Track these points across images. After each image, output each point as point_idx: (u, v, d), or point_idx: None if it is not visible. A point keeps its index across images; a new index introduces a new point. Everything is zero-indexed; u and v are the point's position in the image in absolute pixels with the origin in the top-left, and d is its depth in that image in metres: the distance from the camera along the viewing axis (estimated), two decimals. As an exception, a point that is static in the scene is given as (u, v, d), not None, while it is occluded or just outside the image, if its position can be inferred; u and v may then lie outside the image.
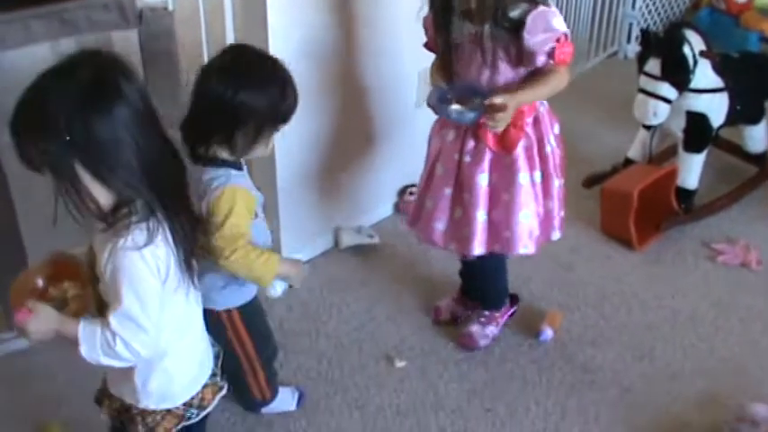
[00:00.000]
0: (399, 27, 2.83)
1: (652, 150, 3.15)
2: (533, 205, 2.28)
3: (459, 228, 2.34)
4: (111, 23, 2.29)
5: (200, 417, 1.70)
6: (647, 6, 4.36)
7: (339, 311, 2.72)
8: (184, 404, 1.67)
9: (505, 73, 2.17)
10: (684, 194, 3.07)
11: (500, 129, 2.17)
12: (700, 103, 2.97)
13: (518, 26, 2.07)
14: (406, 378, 2.47)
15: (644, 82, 2.91)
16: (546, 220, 2.35)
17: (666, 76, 2.85)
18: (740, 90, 3.05)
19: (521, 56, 2.12)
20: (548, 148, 2.27)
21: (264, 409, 2.34)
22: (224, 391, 1.79)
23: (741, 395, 2.38)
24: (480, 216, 2.30)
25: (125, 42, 2.33)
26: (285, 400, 2.35)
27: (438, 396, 2.42)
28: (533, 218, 2.30)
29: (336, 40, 2.68)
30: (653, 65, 2.87)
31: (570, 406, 2.38)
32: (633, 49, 4.13)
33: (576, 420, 2.34)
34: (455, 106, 2.16)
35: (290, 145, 2.70)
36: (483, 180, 2.26)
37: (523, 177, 2.24)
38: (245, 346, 2.16)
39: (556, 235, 2.38)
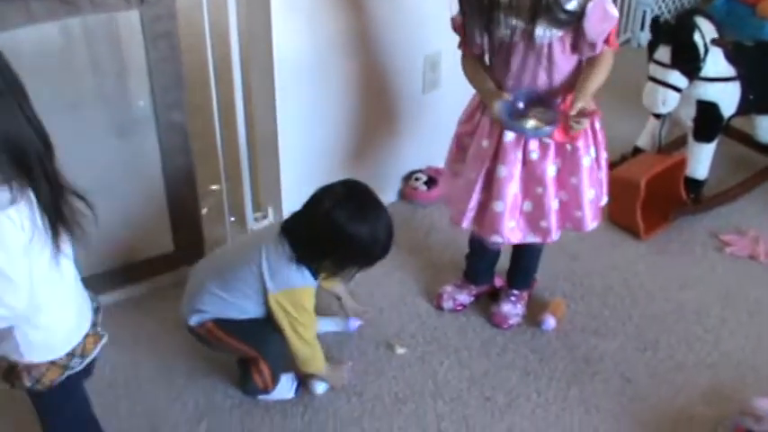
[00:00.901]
0: (404, 11, 2.80)
1: (661, 139, 3.10)
2: (594, 181, 2.31)
3: (534, 220, 2.34)
4: (113, 4, 2.26)
5: (84, 365, 1.77)
6: (661, -7, 4.31)
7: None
8: (67, 354, 1.72)
9: (561, 65, 2.14)
10: (693, 184, 3.03)
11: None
12: (710, 92, 2.91)
13: (576, 18, 2.04)
14: (405, 365, 2.45)
15: (653, 70, 2.86)
16: (600, 190, 2.38)
17: (676, 64, 2.80)
18: (753, 79, 2.98)
19: (576, 45, 2.11)
20: (597, 124, 2.29)
21: (261, 397, 2.33)
22: (105, 340, 1.84)
23: (746, 389, 2.35)
24: (554, 204, 2.31)
25: (127, 23, 2.31)
26: (283, 388, 2.34)
27: (437, 384, 2.39)
28: (597, 193, 2.34)
29: (340, 25, 2.64)
30: (663, 52, 2.81)
31: (572, 396, 2.35)
32: (646, 37, 4.00)
33: (576, 411, 2.31)
34: (530, 123, 2.13)
35: (292, 130, 2.69)
36: (552, 171, 2.26)
37: (586, 160, 2.26)
38: (232, 344, 2.25)
39: (604, 200, 2.42)
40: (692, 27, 2.79)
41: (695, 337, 2.56)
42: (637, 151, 3.16)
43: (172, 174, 2.57)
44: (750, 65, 2.98)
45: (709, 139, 2.99)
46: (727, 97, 2.95)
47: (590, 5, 2.02)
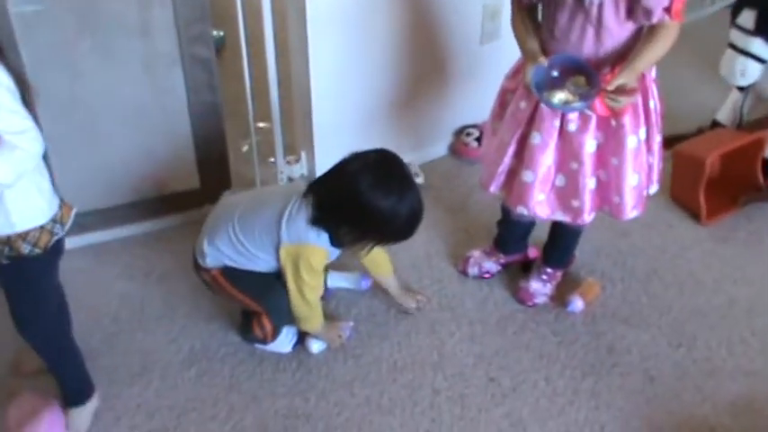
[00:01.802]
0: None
1: (743, 115, 2.79)
2: (639, 166, 2.08)
3: (566, 197, 2.15)
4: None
5: (65, 232, 1.87)
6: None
7: (363, 252, 2.58)
8: (51, 220, 1.83)
9: (612, 32, 1.91)
10: (773, 168, 2.72)
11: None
12: (802, 65, 2.60)
13: None
14: (413, 332, 2.31)
15: (734, 36, 2.56)
16: (647, 176, 2.15)
17: (760, 30, 2.49)
18: None
19: (631, 9, 1.87)
20: (651, 103, 2.05)
21: (259, 346, 2.26)
22: (74, 210, 1.93)
23: (782, 404, 2.10)
24: (590, 183, 2.11)
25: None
26: (282, 341, 2.25)
27: (442, 356, 2.24)
28: (641, 180, 2.11)
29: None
30: (746, 17, 2.51)
31: (583, 388, 2.15)
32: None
33: (585, 405, 2.11)
34: (559, 96, 1.93)
35: (333, 72, 2.55)
36: (591, 146, 2.06)
37: (631, 140, 2.03)
38: (237, 296, 2.19)
39: (654, 188, 2.22)
40: (785, -11, 2.47)
41: (739, 339, 2.29)
42: (715, 125, 2.87)
43: (198, 110, 2.50)
44: None
45: (796, 119, 2.68)
46: (822, 72, 2.62)
47: None
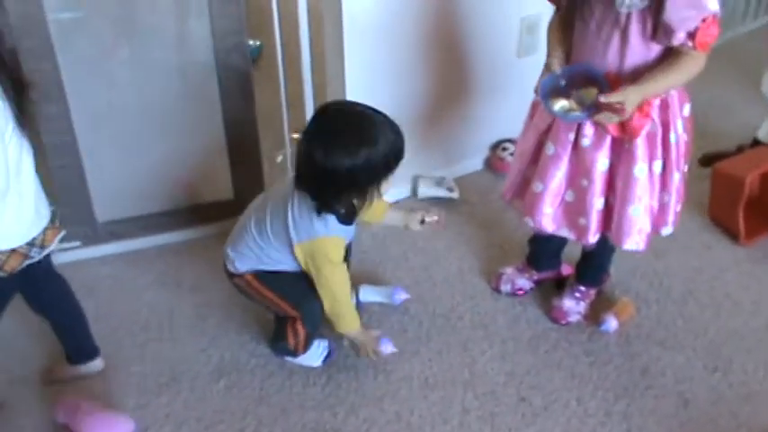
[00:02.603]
0: None
1: (785, 133, 2.75)
2: (646, 199, 2.03)
3: (574, 214, 2.11)
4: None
5: (42, 255, 1.88)
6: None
7: (396, 265, 2.56)
8: (27, 244, 1.84)
9: (636, 49, 1.86)
10: (814, 188, 2.66)
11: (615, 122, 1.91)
12: None
13: None
14: (444, 349, 2.29)
15: (780, 53, 2.52)
16: (659, 215, 2.08)
17: (806, 48, 2.45)
18: None
19: (656, 29, 1.81)
20: (672, 137, 1.97)
21: (289, 359, 2.24)
22: (63, 233, 1.95)
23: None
24: (598, 204, 2.07)
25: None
26: (312, 354, 2.24)
27: (473, 374, 2.21)
28: (644, 213, 2.05)
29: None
30: (791, 34, 2.47)
31: (616, 411, 2.11)
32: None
33: (617, 427, 2.07)
34: (561, 103, 1.91)
35: (366, 85, 2.54)
36: (603, 165, 2.01)
37: (640, 170, 1.98)
38: (272, 300, 2.15)
39: (667, 230, 2.12)
40: (831, 7, 2.43)
41: (777, 363, 2.25)
42: (756, 144, 2.82)
43: (232, 120, 2.51)
44: None
45: (839, 139, 2.62)
46: None
47: None
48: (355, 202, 1.98)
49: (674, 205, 2.07)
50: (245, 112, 2.49)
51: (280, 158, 2.72)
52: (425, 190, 2.79)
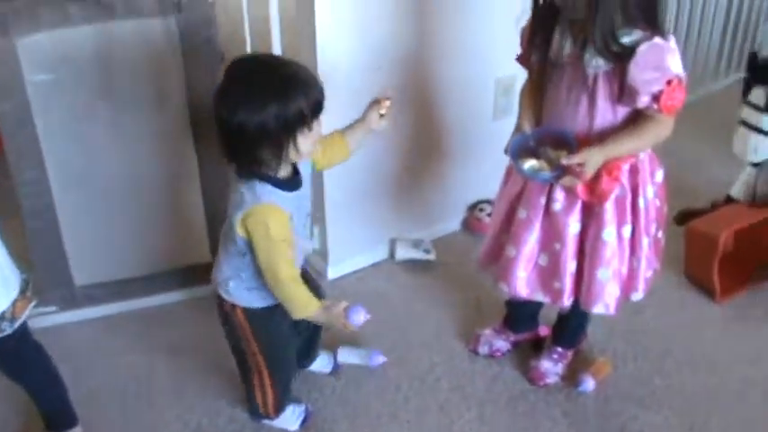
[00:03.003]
0: (474, 31, 2.62)
1: (757, 190, 2.77)
2: (615, 263, 2.03)
3: (548, 278, 2.12)
4: (148, 10, 2.24)
5: (14, 328, 1.85)
6: (796, 24, 3.88)
7: (374, 327, 2.50)
8: None
9: (603, 111, 1.88)
10: (788, 244, 2.69)
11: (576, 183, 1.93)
12: (815, 142, 2.58)
13: (627, 54, 1.78)
14: (423, 411, 2.27)
15: (746, 113, 2.55)
16: (629, 280, 2.09)
17: (772, 108, 2.49)
18: None
19: (622, 92, 1.84)
20: (641, 202, 1.99)
21: (266, 422, 2.23)
22: (33, 303, 1.93)
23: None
24: (571, 266, 2.07)
25: (165, 30, 2.27)
26: (287, 419, 2.22)
27: (451, 437, 2.22)
28: (613, 278, 2.05)
29: (402, 41, 2.50)
30: (758, 94, 2.51)
31: (595, 471, 2.12)
32: None
33: (596, 489, 2.08)
34: (530, 163, 1.94)
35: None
36: (575, 228, 2.03)
37: (608, 233, 1.99)
38: (250, 346, 2.07)
39: (637, 296, 2.12)
40: (795, 68, 2.48)
41: (754, 422, 2.24)
42: (729, 201, 2.84)
43: (209, 183, 2.52)
44: None
45: (810, 195, 2.65)
46: (835, 148, 2.60)
47: (644, 45, 1.76)
48: (272, 158, 1.80)
49: (644, 271, 2.08)
50: (222, 174, 2.49)
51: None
52: (403, 252, 2.80)
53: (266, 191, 1.83)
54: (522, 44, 2.04)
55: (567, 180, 1.91)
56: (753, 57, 2.58)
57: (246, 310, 2.02)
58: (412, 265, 2.80)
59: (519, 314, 2.43)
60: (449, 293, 2.69)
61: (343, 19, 2.35)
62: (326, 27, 2.33)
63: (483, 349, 2.46)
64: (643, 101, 1.81)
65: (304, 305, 1.93)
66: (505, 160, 2.21)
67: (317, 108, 1.79)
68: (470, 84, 2.72)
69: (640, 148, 1.93)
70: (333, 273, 2.74)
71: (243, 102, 1.74)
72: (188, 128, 2.41)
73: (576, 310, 2.22)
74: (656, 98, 1.80)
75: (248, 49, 2.39)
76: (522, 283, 2.12)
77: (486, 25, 2.62)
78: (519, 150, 1.96)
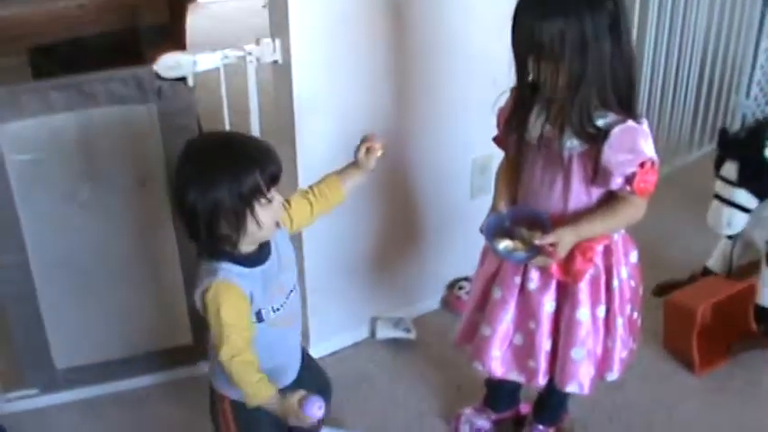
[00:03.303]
0: (450, 112, 2.68)
1: (733, 262, 2.81)
2: (590, 343, 2.05)
3: (523, 357, 2.13)
4: (129, 98, 2.28)
5: None
6: (765, 95, 3.96)
7: (355, 409, 2.54)
8: None
9: (577, 192, 1.92)
10: (765, 315, 2.70)
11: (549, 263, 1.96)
12: (787, 214, 2.63)
13: (601, 136, 1.82)
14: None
15: (719, 187, 2.60)
16: (603, 360, 2.10)
17: (743, 182, 2.53)
18: None
19: (596, 173, 1.87)
20: (615, 283, 2.01)
21: None
22: None
23: None
24: (546, 345, 2.08)
25: (145, 117, 2.31)
26: None
27: None
28: (587, 357, 2.06)
29: (379, 123, 2.54)
30: (729, 168, 2.55)
31: None
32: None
33: None
34: (505, 243, 1.96)
35: (323, 232, 2.58)
36: (550, 307, 2.05)
37: (583, 313, 2.01)
38: None
39: (612, 376, 2.12)
40: (763, 142, 2.52)
41: (738, 495, 2.24)
42: (706, 272, 2.88)
43: (189, 266, 2.51)
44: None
45: (785, 266, 2.68)
46: (808, 219, 2.65)
47: (618, 128, 1.81)
48: (231, 233, 1.75)
49: (619, 351, 2.09)
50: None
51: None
52: (383, 332, 2.80)
53: (222, 267, 1.78)
54: (498, 125, 2.08)
55: (539, 260, 1.93)
56: (723, 132, 2.64)
57: (234, 404, 1.93)
58: (393, 344, 2.80)
59: (498, 393, 2.42)
60: (430, 373, 2.68)
61: (321, 100, 2.40)
62: (305, 111, 2.39)
63: (464, 429, 2.44)
64: (617, 182, 1.84)
65: (253, 392, 1.80)
66: (483, 239, 2.25)
67: (272, 179, 1.76)
68: (447, 164, 2.76)
69: (613, 229, 1.96)
70: (314, 353, 2.72)
71: (195, 179, 1.72)
72: (168, 211, 2.43)
73: (555, 387, 2.23)
74: (629, 180, 1.83)
75: (226, 125, 2.42)
76: (497, 362, 2.13)
77: (462, 106, 2.67)
78: (494, 230, 1.98)
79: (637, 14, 3.33)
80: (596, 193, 1.93)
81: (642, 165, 1.82)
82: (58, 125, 2.26)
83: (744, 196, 2.55)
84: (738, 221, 2.59)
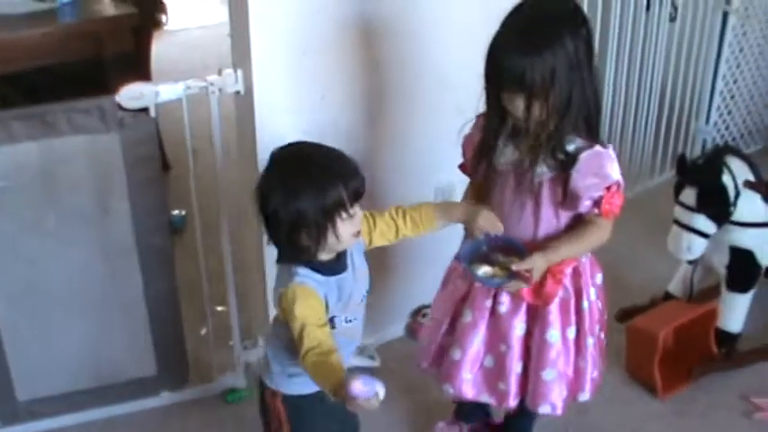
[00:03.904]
0: (415, 139, 2.70)
1: (693, 286, 2.85)
2: (561, 364, 2.08)
3: (493, 379, 2.15)
4: (91, 127, 2.28)
5: None
6: (725, 121, 4.04)
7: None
8: None
9: (547, 216, 1.97)
10: (725, 338, 2.75)
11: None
12: (745, 238, 2.67)
13: (570, 162, 1.88)
14: None
15: (679, 213, 2.64)
16: (575, 380, 2.13)
17: (702, 207, 2.57)
18: (799, 225, 2.73)
19: (565, 197, 1.93)
20: (585, 304, 2.06)
21: None
22: None
23: None
24: (517, 368, 2.11)
25: (107, 146, 2.31)
26: None
27: None
28: (559, 378, 2.09)
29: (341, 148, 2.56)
30: (688, 194, 2.59)
31: None
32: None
33: None
34: (485, 269, 1.97)
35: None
36: (521, 330, 2.08)
37: (553, 335, 2.05)
38: None
39: (584, 396, 2.16)
40: (721, 168, 2.58)
41: None
42: (668, 297, 2.92)
43: (154, 296, 2.53)
44: (796, 208, 2.74)
45: (744, 290, 2.73)
46: (765, 244, 2.70)
47: (585, 154, 1.87)
48: (310, 244, 1.79)
49: (590, 371, 2.12)
50: (167, 290, 2.52)
51: (204, 331, 2.73)
52: (347, 360, 2.79)
53: (300, 273, 1.81)
54: (464, 152, 2.12)
55: (513, 285, 1.95)
56: (682, 159, 2.68)
57: (286, 399, 1.95)
58: (356, 371, 2.79)
59: (468, 406, 2.44)
60: (396, 399, 2.68)
61: (283, 130, 2.39)
62: (267, 140, 2.38)
63: None
64: (585, 205, 1.90)
65: (324, 385, 1.75)
66: (445, 265, 2.27)
67: (356, 195, 1.80)
68: (410, 192, 2.76)
69: (583, 251, 2.01)
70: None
71: (279, 188, 1.75)
72: (132, 240, 2.42)
73: (522, 411, 2.25)
74: (596, 203, 1.89)
75: (189, 155, 2.42)
76: (468, 384, 2.15)
77: (427, 135, 2.69)
78: (471, 256, 2.00)
79: (597, 42, 3.38)
80: (565, 217, 1.98)
81: (608, 188, 1.88)
82: (20, 154, 2.26)
83: (702, 222, 2.59)
84: (698, 246, 2.63)
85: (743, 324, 2.77)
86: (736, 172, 2.59)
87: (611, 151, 1.91)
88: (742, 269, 2.71)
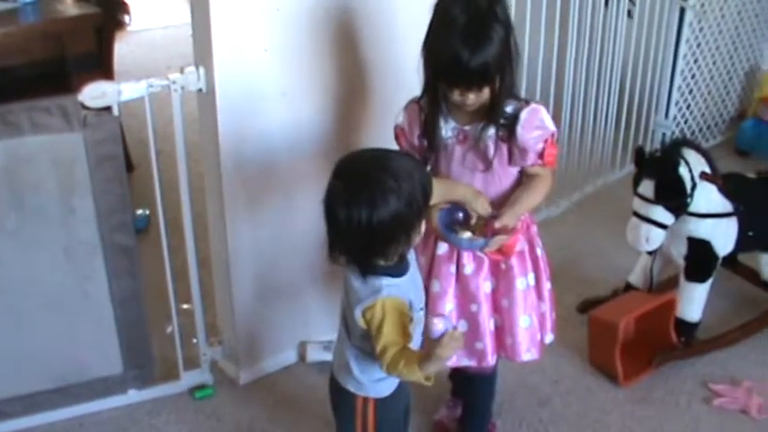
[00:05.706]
0: (375, 138, 2.69)
1: (654, 277, 2.90)
2: (531, 308, 2.18)
3: (470, 341, 2.19)
4: (54, 127, 2.27)
5: None
6: (683, 115, 4.12)
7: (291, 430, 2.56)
8: None
9: (499, 176, 2.09)
10: (685, 327, 2.80)
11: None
12: (702, 229, 2.73)
13: (513, 122, 2.02)
14: None
15: (637, 204, 2.69)
16: (540, 324, 2.24)
17: (660, 199, 2.62)
18: (754, 215, 2.79)
19: (512, 154, 2.07)
20: (538, 251, 2.20)
21: None
22: None
23: None
24: (490, 325, 2.19)
25: (71, 145, 2.30)
26: None
27: None
28: (533, 323, 2.20)
29: (305, 149, 2.57)
30: (646, 186, 2.64)
31: None
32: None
33: None
34: (467, 234, 2.04)
35: (251, 256, 2.61)
36: (487, 287, 2.16)
37: (521, 282, 2.15)
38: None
39: (549, 338, 2.29)
40: (678, 160, 2.62)
41: (661, 503, 2.31)
42: (629, 288, 2.97)
43: (119, 295, 2.52)
44: (751, 199, 2.80)
45: (702, 279, 2.78)
46: (722, 234, 2.76)
47: (526, 110, 2.02)
48: (404, 246, 1.82)
49: (550, 314, 2.25)
50: (132, 288, 2.51)
51: (169, 329, 2.73)
52: (314, 354, 2.82)
53: (384, 284, 1.80)
54: (404, 136, 2.17)
55: (496, 241, 2.02)
56: (640, 151, 2.72)
57: (378, 402, 1.96)
58: (324, 366, 2.80)
59: (459, 379, 2.48)
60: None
61: (245, 127, 2.43)
62: (230, 138, 2.41)
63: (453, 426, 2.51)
64: (531, 158, 2.05)
65: (412, 378, 1.81)
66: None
67: (428, 186, 1.82)
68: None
69: (538, 201, 2.16)
70: (244, 377, 2.75)
71: (364, 198, 1.72)
72: (97, 239, 2.42)
73: (479, 394, 2.40)
74: (540, 155, 2.05)
75: (152, 153, 2.43)
76: None
77: (387, 133, 2.69)
78: (448, 223, 2.06)
79: (557, 37, 3.44)
80: (513, 174, 2.10)
81: (547, 139, 2.04)
82: (-20, 157, 2.25)
83: (660, 213, 2.64)
84: (656, 237, 2.68)
85: (701, 313, 2.82)
86: (693, 164, 2.64)
87: (542, 106, 2.07)
88: (700, 259, 2.77)
